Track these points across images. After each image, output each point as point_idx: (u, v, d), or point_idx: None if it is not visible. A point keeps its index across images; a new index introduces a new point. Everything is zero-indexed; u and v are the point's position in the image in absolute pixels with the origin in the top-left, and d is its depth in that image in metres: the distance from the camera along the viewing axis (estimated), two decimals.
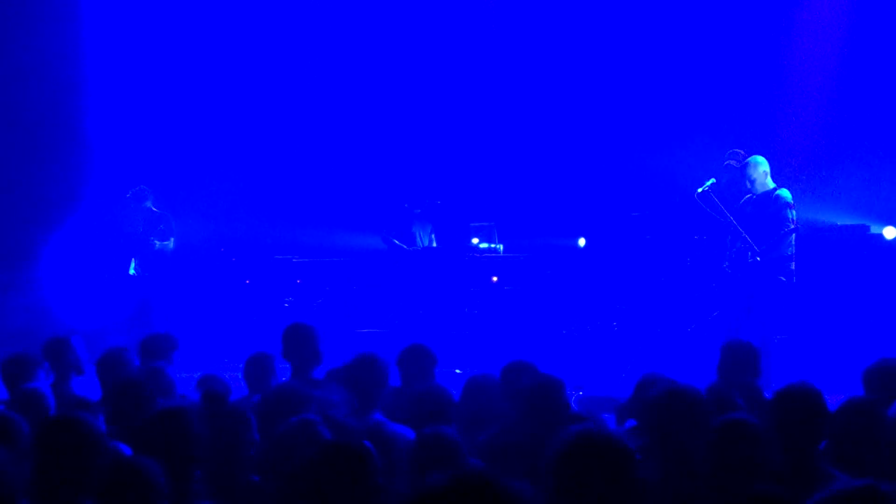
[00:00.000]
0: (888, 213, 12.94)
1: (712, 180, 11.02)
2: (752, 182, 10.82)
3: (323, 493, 4.34)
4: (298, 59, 14.71)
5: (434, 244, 13.79)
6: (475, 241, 13.86)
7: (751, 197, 10.89)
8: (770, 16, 13.77)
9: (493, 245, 13.84)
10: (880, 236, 12.60)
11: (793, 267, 10.76)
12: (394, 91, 14.83)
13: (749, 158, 10.88)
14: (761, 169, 10.81)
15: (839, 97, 13.49)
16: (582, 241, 13.94)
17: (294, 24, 14.69)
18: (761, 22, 13.77)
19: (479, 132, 14.82)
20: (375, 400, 6.35)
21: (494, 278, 13.62)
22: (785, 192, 10.77)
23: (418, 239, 13.73)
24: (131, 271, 13.16)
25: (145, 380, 6.47)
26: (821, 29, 13.53)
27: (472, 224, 14.10)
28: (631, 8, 14.23)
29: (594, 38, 14.29)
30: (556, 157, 14.53)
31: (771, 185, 10.84)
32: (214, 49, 14.42)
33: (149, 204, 13.15)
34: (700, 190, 11.02)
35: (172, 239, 13.24)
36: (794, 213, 10.72)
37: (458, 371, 11.03)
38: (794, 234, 10.70)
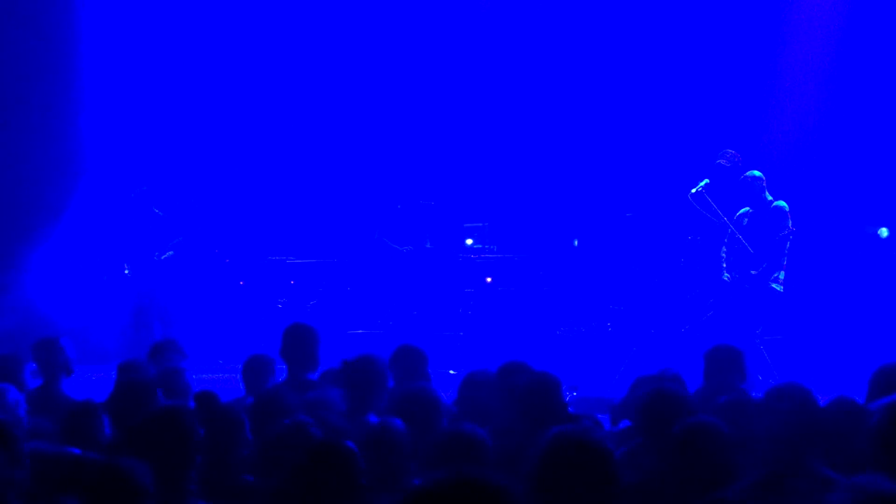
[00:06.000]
0: (882, 213, 12.96)
1: (706, 181, 11.04)
2: (750, 196, 10.85)
3: (308, 493, 4.34)
4: (292, 60, 14.69)
5: (428, 245, 13.78)
6: (469, 241, 13.85)
7: (749, 210, 10.90)
8: (762, 16, 13.78)
9: (487, 246, 13.84)
10: (875, 236, 12.61)
11: (782, 277, 10.79)
12: (387, 92, 14.81)
13: (747, 174, 10.91)
14: (758, 183, 10.83)
15: (832, 96, 13.50)
16: (576, 242, 13.94)
17: (287, 25, 14.67)
18: (753, 21, 13.78)
19: (472, 133, 14.81)
20: (371, 401, 6.31)
21: (488, 279, 13.62)
22: (782, 204, 10.81)
23: (412, 240, 13.72)
24: (126, 271, 13.08)
25: (159, 382, 6.43)
26: (814, 28, 13.55)
27: (465, 225, 14.10)
28: (623, 10, 14.24)
29: (587, 39, 14.29)
30: (550, 158, 14.53)
31: (768, 197, 10.87)
32: (207, 49, 14.37)
33: (156, 210, 13.01)
34: (694, 190, 11.03)
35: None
36: (790, 222, 10.79)
37: (452, 372, 11.02)
38: (788, 242, 10.76)
